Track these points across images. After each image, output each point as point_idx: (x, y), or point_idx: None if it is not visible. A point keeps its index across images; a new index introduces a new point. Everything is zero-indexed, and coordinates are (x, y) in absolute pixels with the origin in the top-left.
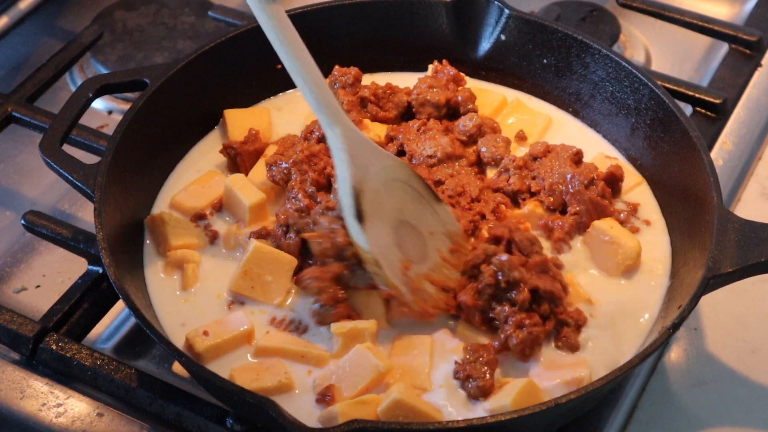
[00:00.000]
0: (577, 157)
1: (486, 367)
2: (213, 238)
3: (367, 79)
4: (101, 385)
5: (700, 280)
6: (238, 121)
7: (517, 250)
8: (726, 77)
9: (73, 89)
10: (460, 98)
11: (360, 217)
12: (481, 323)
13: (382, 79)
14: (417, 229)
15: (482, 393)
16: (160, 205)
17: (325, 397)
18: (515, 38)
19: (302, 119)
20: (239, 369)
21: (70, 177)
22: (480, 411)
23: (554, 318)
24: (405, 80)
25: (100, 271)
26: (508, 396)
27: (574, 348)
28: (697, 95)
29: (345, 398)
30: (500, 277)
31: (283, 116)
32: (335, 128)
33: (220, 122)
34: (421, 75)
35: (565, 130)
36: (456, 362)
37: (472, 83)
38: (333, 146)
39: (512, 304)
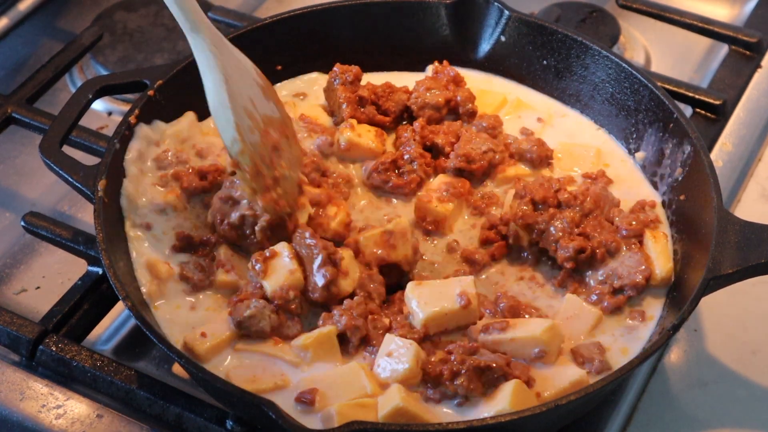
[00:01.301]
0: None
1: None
2: None
3: (367, 79)
4: (101, 386)
5: (700, 282)
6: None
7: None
8: (726, 78)
9: (73, 90)
10: (459, 98)
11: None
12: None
13: (381, 78)
14: (258, 124)
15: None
16: None
17: (305, 396)
18: (515, 39)
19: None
20: (235, 370)
21: (69, 178)
22: (479, 415)
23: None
24: (405, 81)
25: (100, 272)
26: (504, 399)
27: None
28: (697, 96)
29: (326, 405)
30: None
31: None
32: (199, 34)
33: None
34: (421, 75)
35: (566, 125)
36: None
37: (472, 83)
38: (199, 53)
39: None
